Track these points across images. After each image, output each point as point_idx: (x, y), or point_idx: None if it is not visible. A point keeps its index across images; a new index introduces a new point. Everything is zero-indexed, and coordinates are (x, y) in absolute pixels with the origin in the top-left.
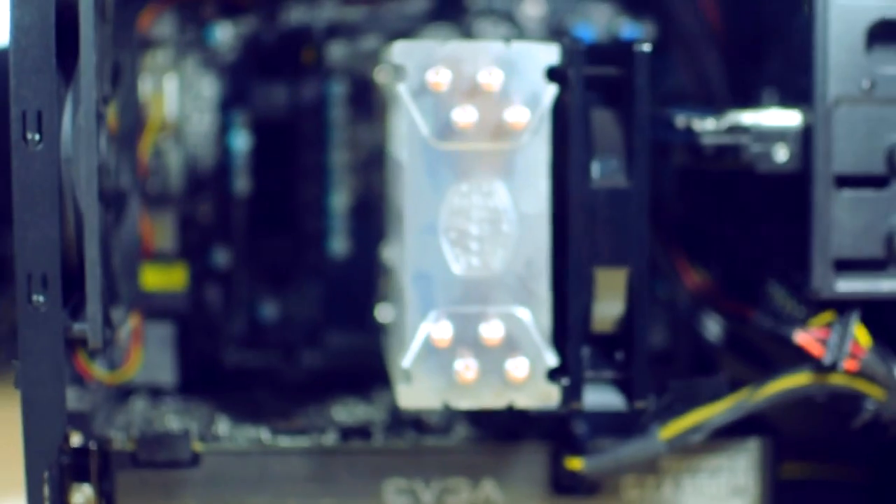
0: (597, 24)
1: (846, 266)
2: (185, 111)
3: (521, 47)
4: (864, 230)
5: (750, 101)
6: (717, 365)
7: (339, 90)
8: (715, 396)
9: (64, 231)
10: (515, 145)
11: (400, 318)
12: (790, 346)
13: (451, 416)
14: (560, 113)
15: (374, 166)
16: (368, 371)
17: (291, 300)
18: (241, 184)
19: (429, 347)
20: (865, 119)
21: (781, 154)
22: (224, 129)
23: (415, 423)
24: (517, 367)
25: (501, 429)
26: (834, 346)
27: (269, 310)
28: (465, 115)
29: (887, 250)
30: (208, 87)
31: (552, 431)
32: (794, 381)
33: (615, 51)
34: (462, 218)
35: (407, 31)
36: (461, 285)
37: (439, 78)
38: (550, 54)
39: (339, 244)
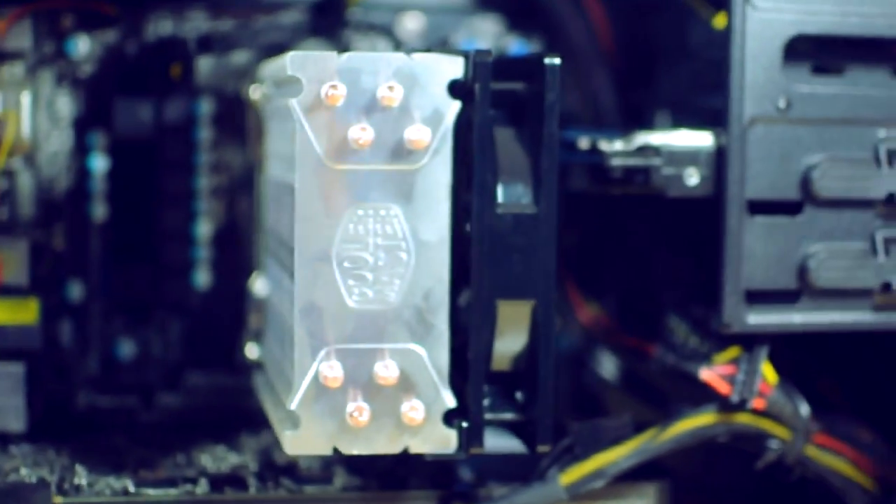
0: (483, 40)
1: (757, 298)
2: (40, 130)
3: (423, 59)
4: (777, 259)
5: (641, 123)
6: (605, 404)
7: (206, 108)
8: (618, 439)
9: None
10: (415, 166)
11: (286, 356)
12: (692, 384)
13: (329, 463)
14: (463, 131)
15: (241, 192)
16: (232, 414)
17: (150, 337)
18: (99, 210)
19: (318, 388)
20: (780, 140)
21: (693, 178)
22: (82, 149)
23: (288, 470)
24: (413, 409)
25: (385, 476)
26: (741, 383)
27: (126, 347)
28: (361, 133)
29: (800, 281)
30: (66, 104)
31: (440, 478)
32: (699, 420)
33: (522, 65)
34: (357, 245)
35: (281, 45)
36: (354, 320)
37: (335, 92)
38: (454, 67)
39: (202, 276)
